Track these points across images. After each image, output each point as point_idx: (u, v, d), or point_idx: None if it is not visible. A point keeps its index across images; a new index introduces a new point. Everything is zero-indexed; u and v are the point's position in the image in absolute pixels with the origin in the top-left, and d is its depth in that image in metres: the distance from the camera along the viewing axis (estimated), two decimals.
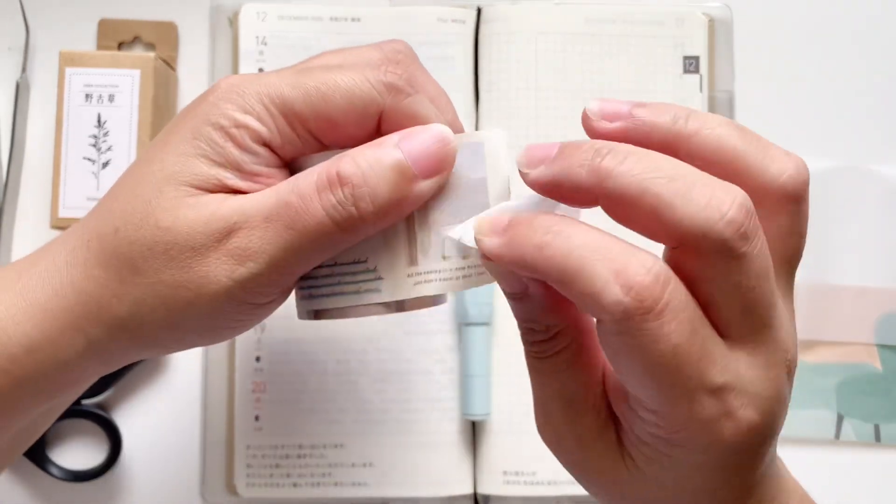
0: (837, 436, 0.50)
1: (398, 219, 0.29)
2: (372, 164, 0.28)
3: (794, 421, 0.50)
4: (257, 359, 0.48)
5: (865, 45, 0.53)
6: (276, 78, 0.30)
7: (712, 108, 0.51)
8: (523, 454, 0.47)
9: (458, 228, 0.29)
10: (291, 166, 0.31)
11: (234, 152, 0.29)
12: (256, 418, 0.48)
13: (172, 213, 0.29)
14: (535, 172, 0.27)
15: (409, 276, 0.30)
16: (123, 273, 0.29)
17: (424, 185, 0.29)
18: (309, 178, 0.28)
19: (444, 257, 0.30)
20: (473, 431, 0.48)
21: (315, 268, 0.30)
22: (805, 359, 0.50)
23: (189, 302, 0.29)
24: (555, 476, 0.47)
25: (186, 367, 0.49)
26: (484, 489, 0.48)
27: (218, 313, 0.29)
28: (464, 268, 0.30)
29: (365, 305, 0.30)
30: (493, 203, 0.30)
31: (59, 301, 0.30)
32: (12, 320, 0.30)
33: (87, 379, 0.33)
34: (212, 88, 0.30)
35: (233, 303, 0.29)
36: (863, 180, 0.51)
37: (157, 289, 0.29)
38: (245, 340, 0.48)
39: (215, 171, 0.29)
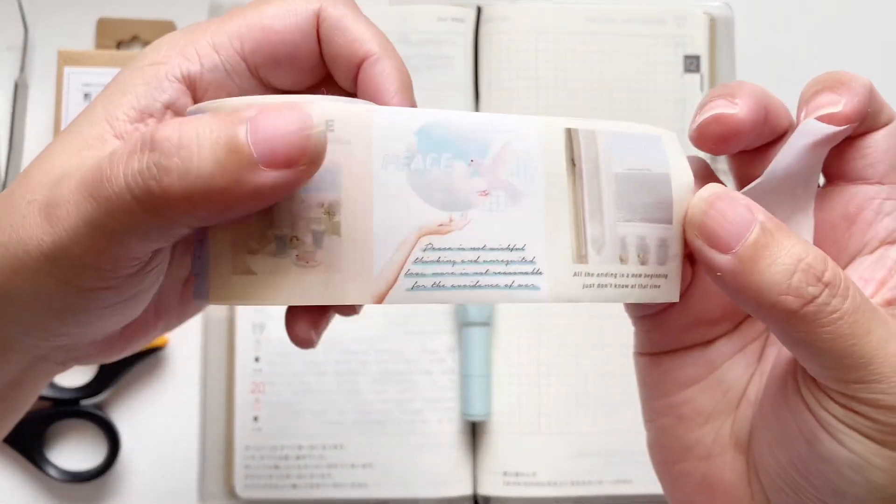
0: None
1: (233, 211, 0.23)
2: (198, 133, 0.22)
3: None
4: (256, 359, 0.48)
5: (866, 44, 0.52)
6: (209, 22, 0.28)
7: None
8: (523, 455, 0.47)
9: (644, 227, 0.25)
10: None
11: (139, 89, 0.26)
12: (255, 419, 0.47)
13: (44, 167, 0.26)
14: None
15: (575, 274, 0.25)
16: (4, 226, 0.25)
17: (268, 176, 0.22)
18: (131, 136, 0.25)
19: (621, 259, 0.25)
20: (473, 432, 0.48)
21: (447, 247, 0.24)
22: None
23: (12, 269, 0.25)
24: (555, 477, 0.47)
25: (185, 367, 0.49)
26: (484, 490, 0.47)
27: (47, 288, 0.25)
28: (641, 275, 0.25)
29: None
30: (677, 204, 0.26)
31: None
32: None
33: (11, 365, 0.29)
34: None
35: (53, 280, 0.24)
36: None
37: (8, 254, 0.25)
38: (244, 341, 0.48)
39: (109, 110, 0.26)
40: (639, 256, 0.25)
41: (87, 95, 0.47)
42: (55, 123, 0.47)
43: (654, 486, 0.48)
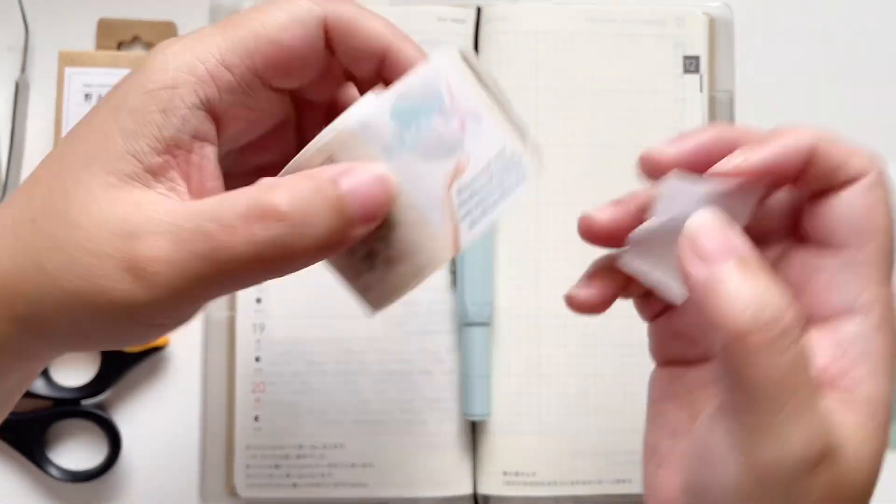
0: None
1: (324, 258, 0.27)
2: (312, 200, 0.25)
3: None
4: (257, 359, 0.48)
5: (865, 44, 0.53)
6: (208, 29, 0.28)
7: (712, 107, 0.50)
8: (523, 454, 0.47)
9: (664, 278, 0.30)
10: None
11: (157, 117, 0.26)
12: (256, 418, 0.47)
13: (86, 209, 0.26)
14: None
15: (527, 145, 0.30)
16: (29, 270, 0.26)
17: (360, 231, 0.26)
18: (235, 204, 0.25)
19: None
20: (473, 431, 0.48)
21: (471, 180, 0.28)
22: None
23: (86, 312, 0.26)
24: (555, 476, 0.47)
25: (186, 367, 0.49)
26: (484, 489, 0.48)
27: (117, 326, 0.27)
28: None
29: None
30: None
31: None
32: None
33: (8, 375, 0.30)
34: (140, 62, 0.28)
35: (130, 322, 0.26)
36: None
37: (55, 294, 0.26)
38: (244, 341, 0.48)
39: (131, 143, 0.26)
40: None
41: (87, 96, 0.47)
42: (56, 124, 0.47)
43: None
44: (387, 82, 0.29)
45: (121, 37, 0.51)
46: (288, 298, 0.48)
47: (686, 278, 0.26)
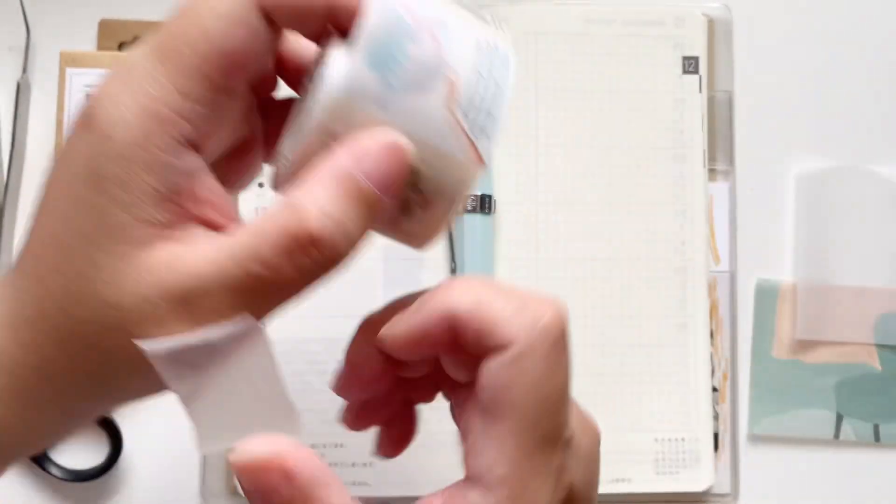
0: (837, 435, 0.50)
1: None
2: (342, 209, 0.25)
3: (794, 420, 0.50)
4: None
5: (865, 45, 0.53)
6: (142, 61, 0.26)
7: (712, 107, 0.51)
8: None
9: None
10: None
11: (146, 178, 0.25)
12: None
13: (116, 288, 0.25)
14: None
15: (497, 26, 0.30)
16: (89, 357, 0.26)
17: (387, 204, 0.26)
18: (271, 239, 0.25)
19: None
20: None
21: (468, 92, 0.27)
22: (804, 359, 0.50)
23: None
24: None
25: None
26: None
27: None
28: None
29: None
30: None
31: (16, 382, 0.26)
32: None
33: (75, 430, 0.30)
34: (83, 118, 0.26)
35: None
36: (862, 180, 0.51)
37: (130, 366, 0.26)
38: None
39: (133, 212, 0.25)
40: None
41: (88, 97, 0.47)
42: (57, 124, 0.48)
43: (652, 485, 0.48)
44: (342, 32, 0.27)
45: (122, 37, 0.51)
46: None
47: None
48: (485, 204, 0.47)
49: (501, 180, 0.49)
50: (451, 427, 0.48)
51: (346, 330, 0.49)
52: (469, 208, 0.47)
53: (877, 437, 0.50)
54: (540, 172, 0.49)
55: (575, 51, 0.50)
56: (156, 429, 0.49)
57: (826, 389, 0.50)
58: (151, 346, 0.25)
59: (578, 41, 0.50)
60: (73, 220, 0.25)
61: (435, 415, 0.48)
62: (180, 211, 0.25)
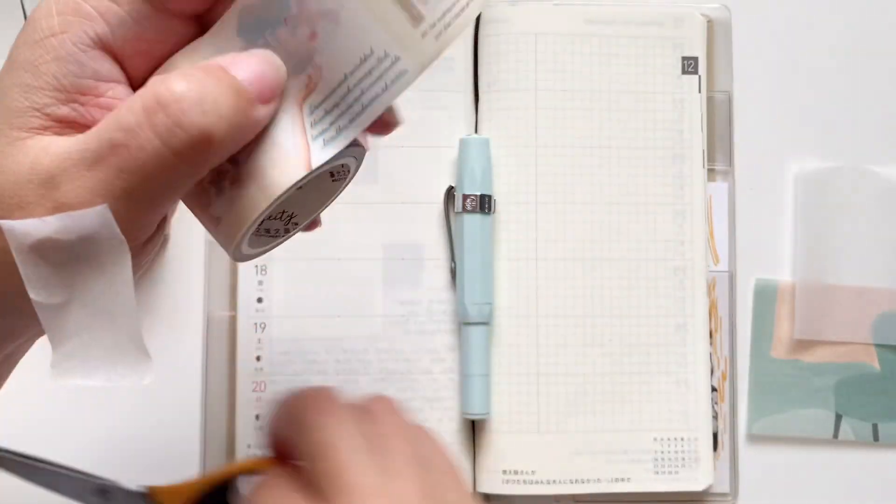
0: (836, 435, 0.50)
1: (239, 147, 0.26)
2: (208, 81, 0.24)
3: (793, 420, 0.50)
4: (257, 358, 0.48)
5: (865, 45, 0.53)
6: None
7: (711, 108, 0.51)
8: (523, 453, 0.48)
9: None
10: None
11: (52, 67, 0.25)
12: (257, 417, 0.48)
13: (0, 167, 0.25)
14: None
15: (423, 35, 0.25)
16: None
17: (262, 112, 0.25)
18: (132, 105, 0.24)
19: None
20: (473, 430, 0.49)
21: (323, 98, 0.26)
22: (803, 358, 0.50)
23: None
24: (554, 475, 0.47)
25: (187, 366, 0.49)
26: (484, 488, 0.48)
27: None
28: None
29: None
30: None
31: None
32: None
33: None
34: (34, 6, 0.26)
35: None
36: (862, 180, 0.51)
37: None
38: (245, 340, 0.48)
39: (32, 98, 0.25)
40: None
41: None
42: None
43: (651, 485, 0.48)
44: None
45: None
46: (289, 298, 0.48)
47: None
48: (485, 204, 0.47)
49: (501, 180, 0.49)
50: (450, 426, 0.48)
51: (345, 330, 0.49)
52: (469, 208, 0.47)
53: (875, 437, 0.50)
54: (540, 172, 0.49)
55: (575, 51, 0.50)
56: (156, 428, 0.49)
57: (825, 389, 0.50)
58: (9, 224, 0.24)
59: (578, 41, 0.50)
60: None
61: (435, 414, 0.48)
62: (81, 110, 0.25)
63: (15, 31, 0.27)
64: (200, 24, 0.28)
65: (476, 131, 0.50)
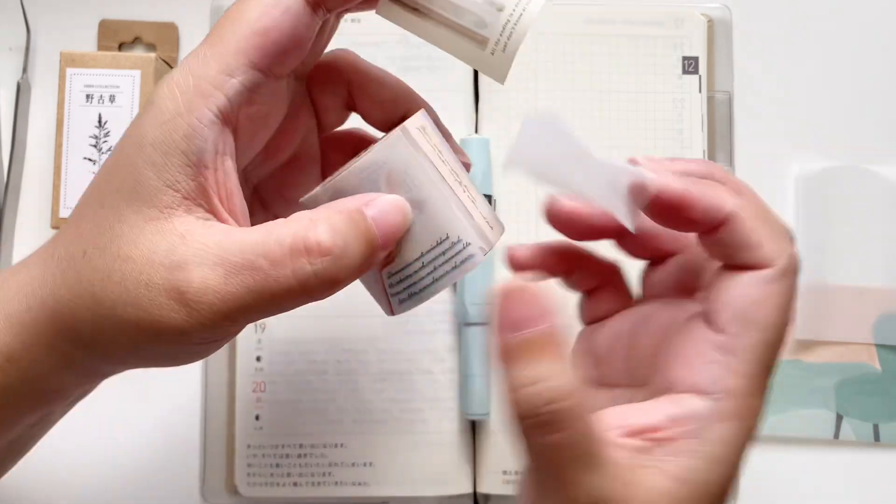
0: (836, 435, 0.50)
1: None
2: (349, 233, 0.28)
3: (794, 420, 0.50)
4: (257, 358, 0.48)
5: (865, 45, 0.53)
6: (198, 48, 0.28)
7: (711, 108, 0.51)
8: None
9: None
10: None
11: (182, 145, 0.27)
12: (257, 418, 0.48)
13: (133, 243, 0.27)
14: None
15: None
16: (86, 300, 0.28)
17: (381, 255, 0.29)
18: (281, 240, 0.27)
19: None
20: (473, 431, 0.49)
21: (400, 269, 0.30)
22: (804, 358, 0.50)
23: (141, 338, 0.28)
24: None
25: (186, 366, 0.49)
26: (484, 488, 0.48)
27: (170, 349, 0.29)
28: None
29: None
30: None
31: (32, 316, 0.29)
32: None
33: (70, 392, 0.32)
34: (149, 99, 0.29)
35: (181, 345, 0.28)
36: (862, 180, 0.51)
37: (113, 322, 0.28)
38: (245, 340, 0.48)
39: (164, 176, 0.27)
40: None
41: (88, 97, 0.47)
42: (57, 124, 0.48)
43: None
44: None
45: (122, 37, 0.51)
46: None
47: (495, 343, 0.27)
48: None
49: (501, 180, 0.49)
50: (450, 427, 0.48)
51: (345, 330, 0.49)
52: None
53: (876, 437, 0.50)
54: None
55: (575, 51, 0.50)
56: (156, 428, 0.49)
57: (826, 389, 0.50)
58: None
59: (578, 41, 0.50)
60: (114, 176, 0.28)
61: (435, 414, 0.48)
62: (204, 185, 0.28)
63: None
64: (299, 82, 0.33)
65: (476, 131, 0.50)
